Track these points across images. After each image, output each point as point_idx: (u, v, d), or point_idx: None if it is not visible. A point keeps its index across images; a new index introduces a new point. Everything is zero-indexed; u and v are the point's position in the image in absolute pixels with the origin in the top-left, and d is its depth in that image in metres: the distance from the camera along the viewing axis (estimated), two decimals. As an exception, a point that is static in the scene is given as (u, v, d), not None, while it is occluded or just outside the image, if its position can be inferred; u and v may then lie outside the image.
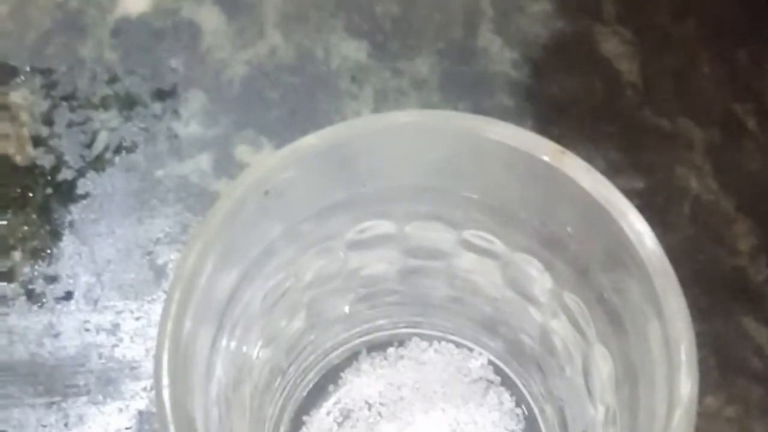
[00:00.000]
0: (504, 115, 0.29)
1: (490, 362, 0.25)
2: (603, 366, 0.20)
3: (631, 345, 0.18)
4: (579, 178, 0.18)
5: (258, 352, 0.23)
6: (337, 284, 0.24)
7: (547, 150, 0.18)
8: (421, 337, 0.26)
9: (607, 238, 0.18)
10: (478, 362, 0.25)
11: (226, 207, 0.19)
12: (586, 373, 0.21)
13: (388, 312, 0.25)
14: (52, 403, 0.26)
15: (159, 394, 0.18)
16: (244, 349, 0.22)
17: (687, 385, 0.16)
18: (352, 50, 0.31)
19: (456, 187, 0.21)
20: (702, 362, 0.26)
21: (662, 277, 0.17)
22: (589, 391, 0.21)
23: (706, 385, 0.26)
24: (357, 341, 0.26)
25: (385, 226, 0.22)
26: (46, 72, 0.30)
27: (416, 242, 0.23)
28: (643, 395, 0.18)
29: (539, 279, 0.21)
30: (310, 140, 0.20)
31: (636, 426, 0.18)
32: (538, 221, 0.20)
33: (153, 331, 0.25)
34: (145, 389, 0.26)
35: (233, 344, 0.21)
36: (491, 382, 0.25)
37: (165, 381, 0.18)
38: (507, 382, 0.25)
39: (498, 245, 0.21)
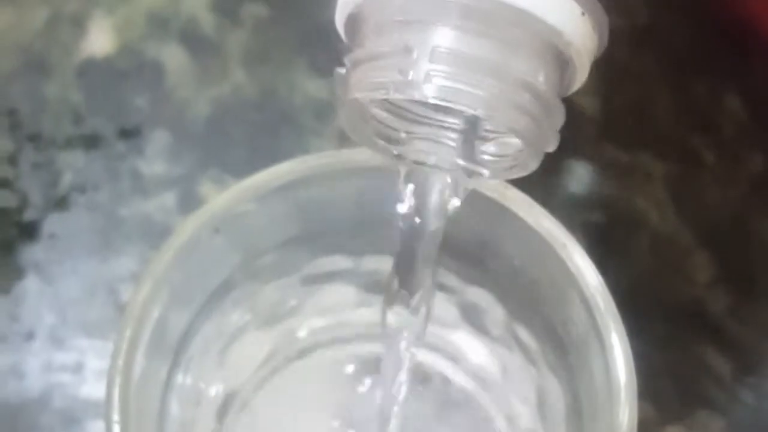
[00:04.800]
0: (465, 150, 0.30)
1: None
2: (554, 398, 0.20)
3: (577, 377, 0.19)
4: (522, 213, 0.19)
5: (216, 389, 0.23)
6: (297, 319, 0.24)
7: (488, 184, 0.19)
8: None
9: (551, 272, 0.18)
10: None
11: (177, 244, 0.19)
12: (541, 405, 0.21)
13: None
14: (16, 444, 0.26)
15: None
16: (202, 385, 0.22)
17: (625, 415, 0.17)
18: (316, 88, 0.31)
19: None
20: (661, 393, 0.26)
21: (603, 311, 0.18)
22: (543, 425, 0.21)
23: (665, 417, 0.26)
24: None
25: (341, 261, 0.22)
26: (11, 113, 0.30)
27: (373, 277, 0.23)
28: (587, 427, 0.18)
29: (492, 312, 0.21)
30: (264, 176, 0.20)
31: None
32: (487, 255, 0.20)
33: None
34: (109, 428, 0.26)
35: (189, 380, 0.21)
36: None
37: (115, 417, 0.18)
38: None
39: (451, 279, 0.22)
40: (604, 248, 0.28)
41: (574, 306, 0.18)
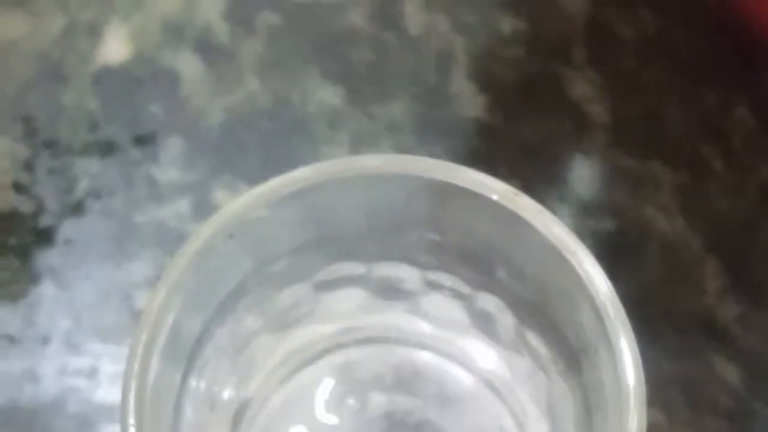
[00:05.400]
0: (476, 157, 0.30)
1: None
2: (564, 404, 0.20)
3: (586, 383, 0.19)
4: (531, 219, 0.19)
5: (230, 393, 0.23)
6: (310, 324, 0.24)
7: (499, 192, 0.19)
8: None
9: (561, 279, 0.18)
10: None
11: (191, 250, 0.19)
12: (550, 411, 0.21)
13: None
14: (31, 447, 0.27)
15: (125, 435, 0.18)
16: (215, 390, 0.22)
17: (634, 422, 0.17)
18: (328, 96, 0.31)
19: (420, 229, 0.21)
20: (672, 401, 0.27)
21: (613, 318, 0.18)
22: (553, 430, 0.21)
23: (675, 424, 0.26)
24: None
25: (353, 267, 0.23)
26: (27, 120, 0.31)
27: (385, 282, 0.23)
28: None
29: (502, 318, 0.22)
30: (277, 183, 0.21)
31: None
32: (497, 261, 0.20)
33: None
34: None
35: (203, 385, 0.21)
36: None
37: (131, 421, 0.18)
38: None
39: (462, 285, 0.22)
40: (613, 256, 0.28)
41: (584, 313, 0.18)
